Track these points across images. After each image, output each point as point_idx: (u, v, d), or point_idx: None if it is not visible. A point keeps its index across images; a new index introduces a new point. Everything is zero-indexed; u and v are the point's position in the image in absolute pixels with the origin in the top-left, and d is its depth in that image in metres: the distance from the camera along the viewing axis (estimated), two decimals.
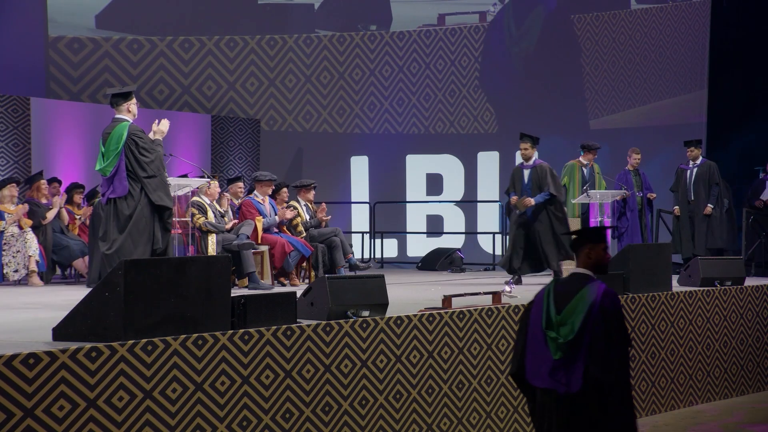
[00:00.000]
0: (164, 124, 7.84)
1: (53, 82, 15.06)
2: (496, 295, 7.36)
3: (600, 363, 4.52)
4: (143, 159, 7.49)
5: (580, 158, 12.11)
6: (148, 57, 15.95)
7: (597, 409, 4.55)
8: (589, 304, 4.57)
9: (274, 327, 5.59)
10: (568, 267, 11.26)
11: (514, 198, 10.56)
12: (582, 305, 4.59)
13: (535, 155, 10.65)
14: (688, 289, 8.99)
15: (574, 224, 11.53)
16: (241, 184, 11.20)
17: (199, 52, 16.40)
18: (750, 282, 9.91)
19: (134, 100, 7.73)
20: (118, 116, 7.66)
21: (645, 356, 8.18)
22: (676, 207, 12.49)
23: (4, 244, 10.48)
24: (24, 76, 14.61)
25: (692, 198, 12.32)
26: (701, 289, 9.02)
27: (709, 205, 12.18)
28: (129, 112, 7.69)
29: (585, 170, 12.08)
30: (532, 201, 10.36)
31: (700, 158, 12.44)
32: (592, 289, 4.62)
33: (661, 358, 8.36)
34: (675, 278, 9.38)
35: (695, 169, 12.37)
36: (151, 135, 7.75)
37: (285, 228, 10.72)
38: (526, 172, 10.58)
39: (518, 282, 10.22)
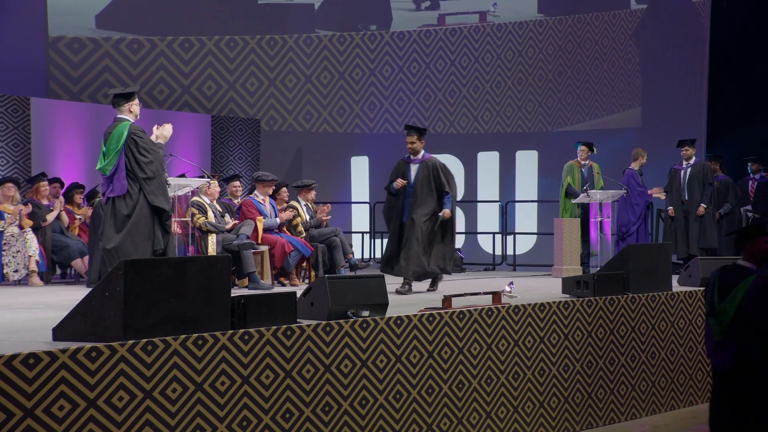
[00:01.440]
0: (167, 129, 7.81)
1: (53, 82, 15.07)
2: (496, 295, 7.36)
3: (751, 344, 5.25)
4: (142, 159, 7.47)
5: (578, 158, 12.09)
6: (148, 57, 15.95)
7: (747, 384, 5.30)
8: (744, 293, 5.30)
9: (274, 327, 5.59)
10: (567, 267, 11.28)
11: (399, 182, 9.19)
12: (740, 295, 5.32)
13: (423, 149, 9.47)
14: (688, 289, 8.97)
15: (574, 224, 11.51)
16: (237, 183, 11.19)
17: (199, 52, 16.41)
18: None
19: (136, 101, 7.74)
20: (119, 116, 7.66)
21: (645, 356, 8.17)
22: (670, 207, 12.47)
23: (4, 244, 10.48)
24: (24, 76, 14.62)
25: (686, 198, 12.31)
26: (701, 289, 8.99)
27: (702, 204, 12.16)
28: (131, 112, 7.69)
29: (584, 170, 12.07)
30: (448, 213, 9.05)
31: (694, 158, 12.43)
32: (750, 280, 5.33)
33: (661, 358, 8.35)
34: (675, 278, 9.37)
35: (689, 169, 12.34)
36: (152, 138, 7.74)
37: (285, 228, 10.72)
38: (414, 167, 9.35)
39: (408, 292, 8.90)
